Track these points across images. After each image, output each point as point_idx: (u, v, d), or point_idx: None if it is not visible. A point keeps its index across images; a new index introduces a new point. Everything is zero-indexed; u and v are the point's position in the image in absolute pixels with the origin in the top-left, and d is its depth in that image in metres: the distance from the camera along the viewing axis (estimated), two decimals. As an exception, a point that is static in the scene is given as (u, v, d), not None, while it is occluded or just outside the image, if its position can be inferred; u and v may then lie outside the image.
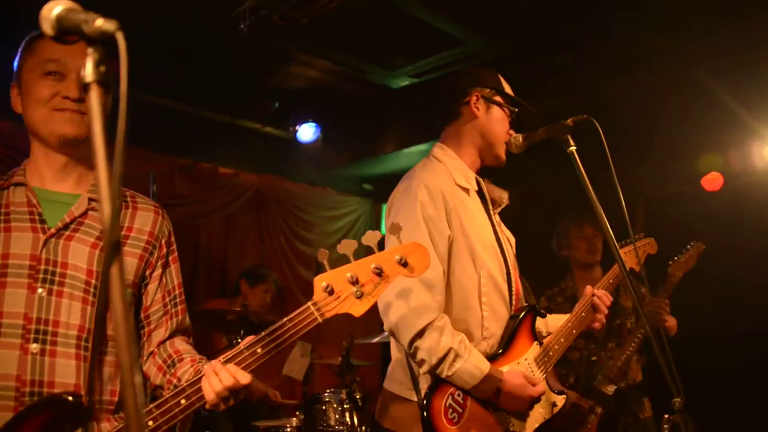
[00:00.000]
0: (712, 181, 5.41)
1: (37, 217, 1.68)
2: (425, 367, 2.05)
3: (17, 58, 1.76)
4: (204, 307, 4.94)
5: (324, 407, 3.87)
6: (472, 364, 2.04)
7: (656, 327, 3.23)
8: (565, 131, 2.19)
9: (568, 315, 2.45)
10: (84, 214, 1.73)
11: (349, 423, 3.87)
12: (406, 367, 2.18)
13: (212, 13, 4.07)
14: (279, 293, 5.09)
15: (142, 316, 1.82)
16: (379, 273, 1.52)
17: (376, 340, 4.53)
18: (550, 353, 2.30)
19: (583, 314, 2.38)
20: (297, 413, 4.08)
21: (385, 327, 2.12)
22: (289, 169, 6.47)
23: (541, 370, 2.27)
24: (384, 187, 7.19)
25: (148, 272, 1.82)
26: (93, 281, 1.68)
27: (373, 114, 5.81)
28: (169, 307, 1.85)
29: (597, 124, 2.15)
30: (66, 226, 1.69)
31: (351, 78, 5.14)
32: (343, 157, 6.45)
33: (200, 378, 1.53)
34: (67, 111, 1.68)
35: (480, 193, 2.38)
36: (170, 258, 1.88)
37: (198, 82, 5.10)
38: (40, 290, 1.61)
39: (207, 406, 1.52)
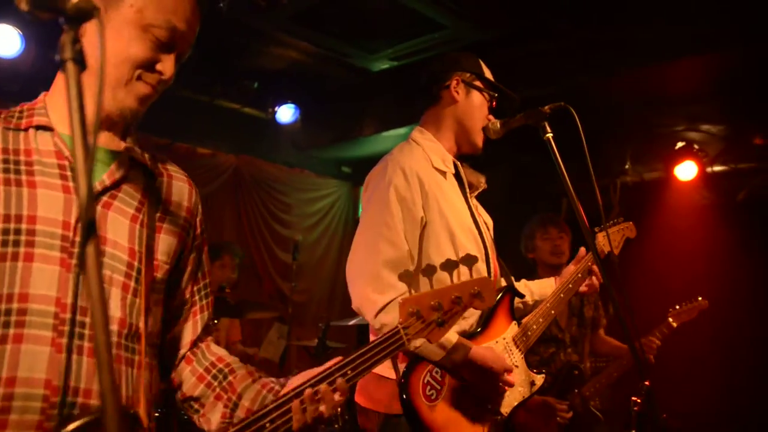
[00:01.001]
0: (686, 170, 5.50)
1: (69, 173, 1.33)
2: None
3: None
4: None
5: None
6: None
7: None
8: (542, 118, 2.21)
9: (552, 280, 2.52)
10: (124, 177, 1.42)
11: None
12: None
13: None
14: (240, 267, 5.03)
15: (171, 306, 1.53)
16: (458, 302, 1.53)
17: (352, 322, 4.54)
18: (529, 333, 2.34)
19: (562, 295, 2.43)
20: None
21: (353, 305, 2.15)
22: (267, 151, 6.44)
23: (520, 350, 2.31)
24: (362, 170, 7.15)
25: (184, 255, 1.54)
26: (135, 263, 1.37)
27: (353, 97, 5.80)
28: (198, 297, 1.60)
29: (573, 112, 2.18)
30: (105, 190, 1.37)
31: (331, 60, 5.12)
32: (322, 139, 6.43)
33: (289, 399, 1.38)
34: (149, 87, 1.41)
35: (457, 176, 2.40)
36: (203, 240, 1.61)
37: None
38: (76, 269, 1.27)
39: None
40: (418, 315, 1.50)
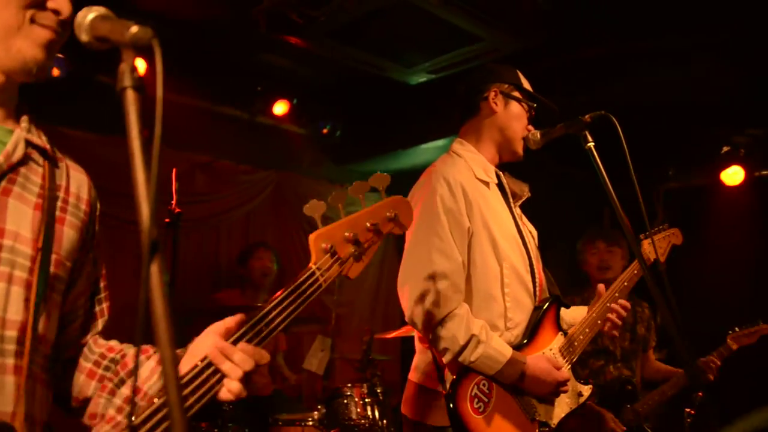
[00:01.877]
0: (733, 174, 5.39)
1: None
2: (448, 356, 2.08)
3: None
4: (214, 297, 4.99)
5: (345, 401, 3.91)
6: (494, 349, 2.08)
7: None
8: (582, 127, 2.21)
9: (586, 307, 2.48)
10: (22, 161, 1.24)
11: (371, 417, 3.91)
12: (430, 358, 2.21)
13: (231, 11, 4.11)
14: (277, 259, 5.09)
15: (64, 311, 1.32)
16: (375, 230, 1.41)
17: (394, 334, 4.55)
18: (575, 344, 2.33)
19: (608, 304, 2.40)
20: (318, 407, 4.13)
21: (406, 318, 2.16)
22: (307, 166, 6.51)
23: (566, 360, 2.30)
24: (401, 183, 7.21)
25: (81, 254, 1.35)
26: (38, 258, 1.20)
27: (390, 110, 5.83)
28: (96, 301, 1.44)
29: (614, 120, 2.17)
30: (2, 174, 1.21)
31: (368, 75, 5.16)
32: (360, 153, 6.48)
33: (206, 367, 1.20)
34: (49, 30, 1.24)
35: (500, 186, 2.41)
36: (100, 240, 1.42)
37: (217, 80, 5.16)
38: None
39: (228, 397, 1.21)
40: (333, 251, 1.37)
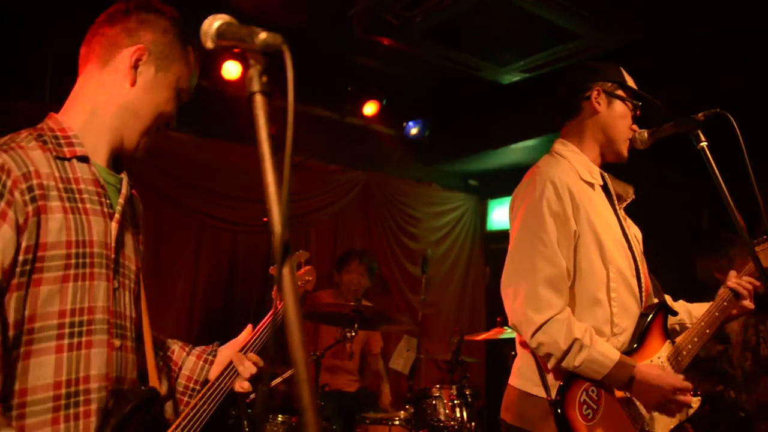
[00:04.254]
0: None
1: (104, 200, 1.56)
2: (552, 362, 2.03)
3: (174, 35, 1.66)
4: (312, 295, 5.08)
5: (434, 402, 3.90)
6: (600, 352, 2.01)
7: None
8: (695, 126, 2.12)
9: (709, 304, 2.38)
10: (127, 199, 1.65)
11: (459, 418, 3.88)
12: (533, 363, 2.16)
13: (325, 15, 4.17)
14: (371, 273, 5.12)
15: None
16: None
17: (483, 336, 4.51)
18: (684, 353, 2.24)
19: (717, 313, 2.29)
20: (406, 407, 4.14)
21: (509, 323, 2.13)
22: (395, 166, 6.54)
23: (675, 370, 2.21)
24: (489, 183, 7.22)
25: None
26: (137, 270, 1.66)
27: (481, 109, 5.78)
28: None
29: (731, 118, 2.07)
30: (123, 214, 1.61)
31: (460, 74, 5.13)
32: (449, 153, 6.46)
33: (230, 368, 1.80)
34: (156, 137, 1.71)
35: (605, 188, 2.34)
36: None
37: (308, 81, 5.25)
38: (115, 283, 1.55)
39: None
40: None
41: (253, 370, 1.81)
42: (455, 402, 3.91)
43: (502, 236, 2.44)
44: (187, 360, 1.87)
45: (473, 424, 4.00)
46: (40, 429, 1.36)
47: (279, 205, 0.85)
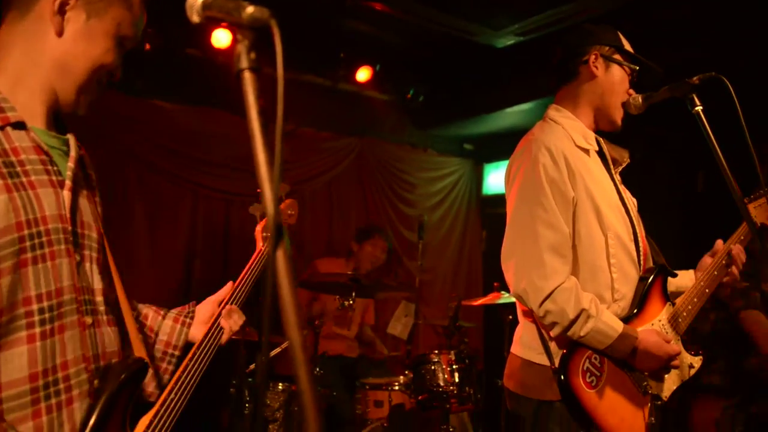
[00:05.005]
0: None
1: (51, 167, 1.39)
2: (557, 330, 2.04)
3: None
4: (315, 264, 5.11)
5: (433, 367, 3.93)
6: (606, 323, 2.02)
7: None
8: (690, 90, 2.10)
9: (693, 271, 2.39)
10: (77, 161, 1.48)
11: (458, 383, 3.92)
12: (535, 332, 2.17)
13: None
14: (389, 252, 5.20)
15: None
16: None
17: (480, 302, 4.53)
18: (684, 314, 2.25)
19: (716, 272, 2.30)
20: (405, 372, 4.18)
21: (512, 292, 2.12)
22: (390, 132, 6.50)
23: (675, 332, 2.23)
24: (485, 146, 7.18)
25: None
26: (100, 238, 1.50)
27: (475, 74, 5.72)
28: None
29: (726, 81, 2.05)
30: (75, 178, 1.45)
31: (453, 39, 5.06)
32: (444, 117, 6.41)
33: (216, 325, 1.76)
34: (101, 90, 1.52)
35: (600, 153, 2.32)
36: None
37: (299, 48, 5.17)
38: (77, 257, 1.41)
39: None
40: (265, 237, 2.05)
41: (241, 321, 1.77)
42: (454, 367, 3.94)
43: (499, 200, 2.44)
44: (164, 324, 1.77)
45: (472, 389, 4.05)
46: (22, 424, 1.27)
47: (271, 184, 0.84)
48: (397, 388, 4.20)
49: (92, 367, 1.39)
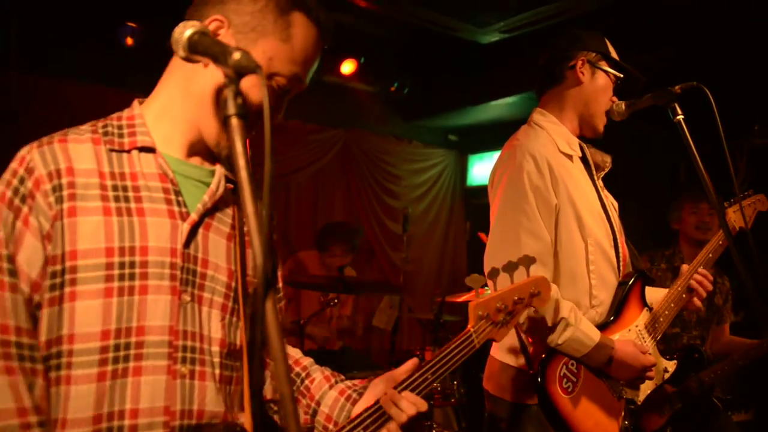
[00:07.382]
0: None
1: (173, 197, 1.29)
2: (536, 336, 2.08)
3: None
4: (299, 256, 5.06)
5: (417, 363, 3.95)
6: (583, 333, 2.06)
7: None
8: (672, 99, 2.12)
9: (665, 290, 2.42)
10: (221, 197, 1.36)
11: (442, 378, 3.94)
12: (515, 337, 2.20)
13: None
14: (352, 248, 5.03)
15: None
16: (521, 302, 1.68)
17: (464, 298, 4.56)
18: (661, 319, 2.30)
19: (684, 295, 2.34)
20: (391, 367, 4.20)
21: None
22: (375, 123, 6.50)
23: (652, 337, 2.27)
24: (469, 138, 7.19)
25: None
26: (233, 284, 1.34)
27: (461, 67, 5.72)
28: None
29: (707, 92, 2.07)
30: (207, 212, 1.33)
31: (439, 34, 5.05)
32: (429, 109, 6.42)
33: (377, 409, 1.42)
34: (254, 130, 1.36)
35: (583, 158, 2.35)
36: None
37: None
38: (185, 296, 1.26)
39: None
40: (487, 318, 1.62)
41: (411, 411, 1.41)
42: (438, 362, 3.96)
43: (483, 191, 2.44)
44: (328, 395, 1.52)
45: (456, 383, 4.09)
46: None
47: (260, 235, 0.85)
48: (381, 382, 4.22)
49: (176, 423, 1.22)
